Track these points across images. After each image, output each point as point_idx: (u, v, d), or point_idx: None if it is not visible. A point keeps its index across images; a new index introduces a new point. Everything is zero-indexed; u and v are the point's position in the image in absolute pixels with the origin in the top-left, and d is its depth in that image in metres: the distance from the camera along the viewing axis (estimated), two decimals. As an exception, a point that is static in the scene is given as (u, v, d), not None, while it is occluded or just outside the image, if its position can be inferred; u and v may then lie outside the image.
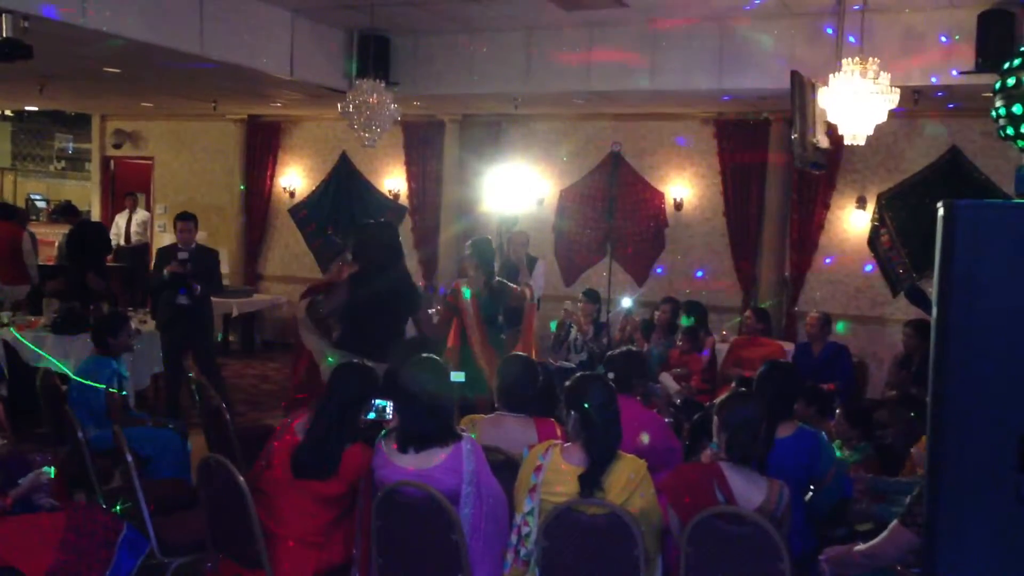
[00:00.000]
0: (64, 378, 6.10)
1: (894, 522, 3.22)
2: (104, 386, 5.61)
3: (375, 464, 3.64)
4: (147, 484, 4.22)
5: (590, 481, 3.39)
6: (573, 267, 11.07)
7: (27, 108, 14.92)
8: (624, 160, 10.60)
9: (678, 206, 10.58)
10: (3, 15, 6.39)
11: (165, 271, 7.52)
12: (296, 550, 3.67)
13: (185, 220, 7.79)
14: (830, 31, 7.69)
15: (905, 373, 6.95)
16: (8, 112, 15.87)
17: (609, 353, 4.94)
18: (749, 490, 3.46)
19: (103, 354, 5.84)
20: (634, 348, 5.79)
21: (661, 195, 10.65)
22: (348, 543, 3.77)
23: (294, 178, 12.61)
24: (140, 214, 13.29)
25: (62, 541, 3.79)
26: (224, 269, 12.34)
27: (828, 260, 9.91)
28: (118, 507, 4.19)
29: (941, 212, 2.61)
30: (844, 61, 6.73)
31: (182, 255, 7.59)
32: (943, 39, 7.58)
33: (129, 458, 4.13)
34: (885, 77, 6.67)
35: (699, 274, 10.49)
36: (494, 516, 3.54)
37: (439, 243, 11.39)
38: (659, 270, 10.66)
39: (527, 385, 4.24)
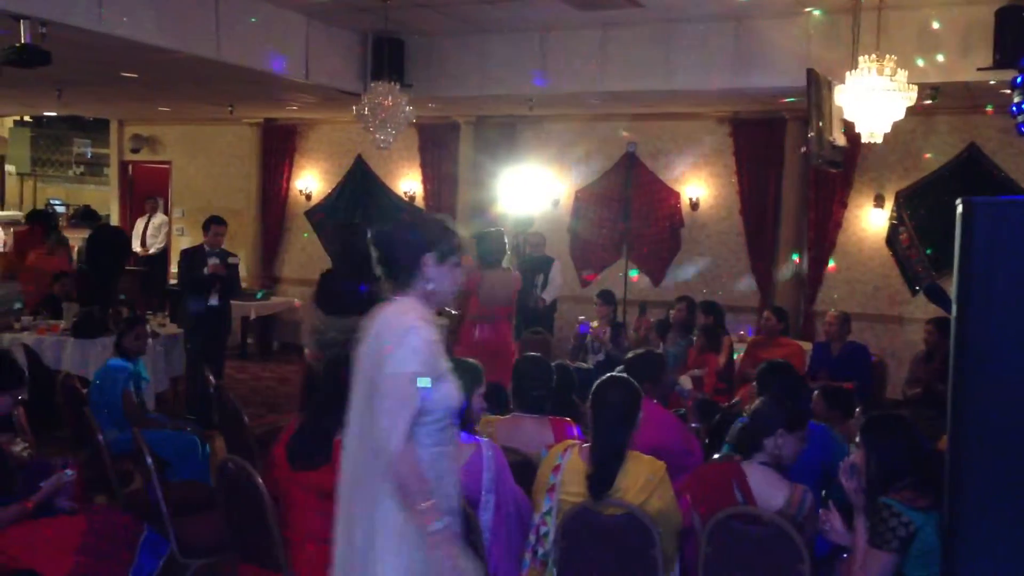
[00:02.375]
0: (84, 381, 6.13)
1: (867, 547, 3.14)
2: (122, 389, 5.65)
3: None
4: (166, 486, 4.24)
5: (596, 483, 3.38)
6: (589, 268, 11.06)
7: (46, 114, 15.04)
8: (639, 160, 10.58)
9: (694, 206, 10.55)
10: (21, 21, 6.45)
11: (207, 270, 7.70)
12: (311, 550, 3.70)
13: (222, 224, 7.99)
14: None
15: (929, 367, 6.90)
16: (27, 118, 15.99)
17: (630, 354, 4.94)
18: (769, 492, 3.44)
19: (120, 357, 5.89)
20: (656, 350, 5.77)
21: (677, 195, 10.63)
22: None
23: (310, 181, 12.65)
24: (158, 218, 13.36)
25: (82, 544, 3.81)
26: (241, 272, 12.45)
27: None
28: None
29: (960, 210, 2.60)
30: (861, 58, 6.70)
31: (213, 260, 7.78)
32: (960, 36, 7.53)
33: (149, 461, 4.15)
34: (902, 74, 6.63)
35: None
36: (517, 521, 3.54)
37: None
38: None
39: (541, 385, 4.24)
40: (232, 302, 8.40)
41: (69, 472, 3.99)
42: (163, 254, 13.16)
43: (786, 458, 3.57)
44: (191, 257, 7.98)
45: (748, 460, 3.56)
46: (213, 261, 7.74)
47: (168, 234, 13.37)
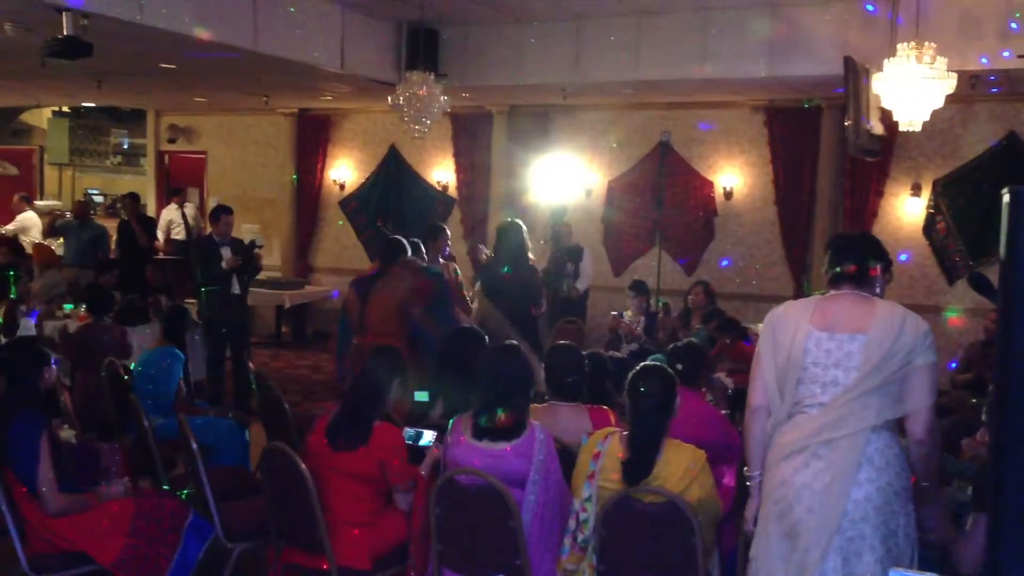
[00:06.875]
0: (126, 368, 6.24)
1: (973, 514, 3.13)
2: (178, 378, 5.76)
3: (448, 442, 3.72)
4: (208, 472, 4.32)
5: (632, 470, 3.40)
6: (622, 257, 11.05)
7: (84, 105, 15.22)
8: (673, 149, 10.54)
9: (728, 195, 10.51)
10: (63, 14, 6.54)
11: (224, 265, 7.73)
12: (349, 533, 3.76)
13: (230, 213, 8.07)
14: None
15: (985, 353, 6.82)
16: (65, 109, 16.19)
17: (673, 344, 4.94)
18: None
19: (168, 345, 5.99)
20: (696, 340, 5.75)
21: (711, 184, 10.58)
22: (400, 524, 3.85)
23: (344, 171, 12.73)
24: (191, 208, 13.43)
25: (131, 527, 3.90)
26: (275, 261, 12.58)
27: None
28: (184, 493, 4.29)
29: (1007, 198, 2.57)
30: (899, 46, 6.63)
31: (227, 253, 7.83)
32: (1000, 22, 7.43)
33: (195, 446, 4.23)
34: (941, 62, 6.56)
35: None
36: (559, 505, 3.58)
37: (487, 234, 11.42)
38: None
39: (573, 372, 4.26)
40: (267, 291, 8.47)
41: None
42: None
43: None
44: (203, 249, 8.01)
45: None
46: (228, 255, 7.77)
47: (203, 223, 13.48)
